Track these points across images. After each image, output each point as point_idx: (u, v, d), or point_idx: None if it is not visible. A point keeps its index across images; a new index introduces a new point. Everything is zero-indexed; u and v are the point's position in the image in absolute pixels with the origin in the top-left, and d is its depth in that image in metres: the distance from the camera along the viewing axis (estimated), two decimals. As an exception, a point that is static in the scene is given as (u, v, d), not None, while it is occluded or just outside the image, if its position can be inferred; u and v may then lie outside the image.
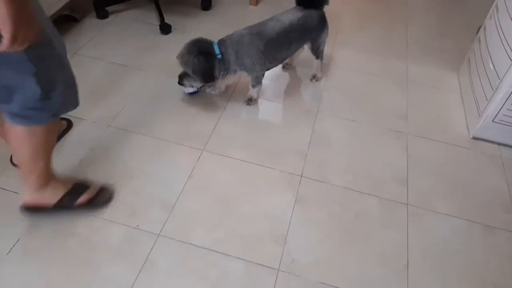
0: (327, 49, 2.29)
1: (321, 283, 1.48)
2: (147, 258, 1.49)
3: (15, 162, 1.66)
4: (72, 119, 1.93)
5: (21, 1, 0.94)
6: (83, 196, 1.58)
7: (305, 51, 2.23)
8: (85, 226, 1.57)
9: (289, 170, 1.85)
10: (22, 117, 1.27)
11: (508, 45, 1.85)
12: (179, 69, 2.27)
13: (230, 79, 2.10)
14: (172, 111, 2.08)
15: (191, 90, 2.13)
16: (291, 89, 2.33)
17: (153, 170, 1.79)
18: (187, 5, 2.89)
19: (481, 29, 2.25)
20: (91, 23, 2.65)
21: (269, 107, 2.20)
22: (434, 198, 1.80)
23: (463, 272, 1.56)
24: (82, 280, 1.43)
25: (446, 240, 1.66)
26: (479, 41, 2.22)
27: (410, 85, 2.41)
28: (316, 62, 2.30)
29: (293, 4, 2.08)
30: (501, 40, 1.92)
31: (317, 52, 2.22)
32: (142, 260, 1.48)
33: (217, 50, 1.90)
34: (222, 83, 2.17)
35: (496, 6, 2.08)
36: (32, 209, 1.51)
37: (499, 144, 2.07)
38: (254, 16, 2.80)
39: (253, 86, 2.11)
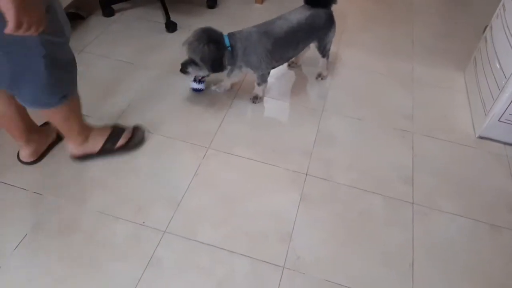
0: (332, 48, 2.29)
1: (326, 280, 1.48)
2: (153, 255, 1.50)
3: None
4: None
5: None
6: (121, 140, 1.78)
7: (311, 49, 2.24)
8: (91, 222, 1.58)
9: (294, 168, 1.85)
10: (37, 104, 1.41)
11: (515, 44, 1.84)
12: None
13: (235, 77, 2.10)
14: (177, 109, 2.09)
15: (195, 85, 2.14)
16: (297, 88, 2.33)
17: (159, 168, 1.80)
18: (192, 3, 2.89)
19: (488, 28, 2.24)
20: (97, 21, 2.66)
21: (274, 105, 2.20)
22: (440, 197, 1.80)
23: (468, 272, 1.56)
24: (88, 276, 1.44)
25: (451, 240, 1.65)
26: (486, 40, 2.21)
27: (416, 84, 2.40)
28: (322, 61, 2.30)
29: (299, 2, 2.08)
30: (508, 39, 1.91)
31: (324, 51, 2.22)
32: (148, 257, 1.49)
33: (227, 42, 1.89)
34: (227, 81, 2.18)
35: (503, 5, 2.08)
36: (81, 158, 1.75)
37: (505, 143, 2.07)
38: (259, 14, 2.81)
39: (259, 84, 2.12)
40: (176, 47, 2.50)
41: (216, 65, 1.88)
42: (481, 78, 2.16)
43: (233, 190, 1.75)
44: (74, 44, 1.40)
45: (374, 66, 2.52)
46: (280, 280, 1.47)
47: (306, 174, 1.83)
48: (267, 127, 2.05)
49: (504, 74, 1.88)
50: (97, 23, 2.64)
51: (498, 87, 1.93)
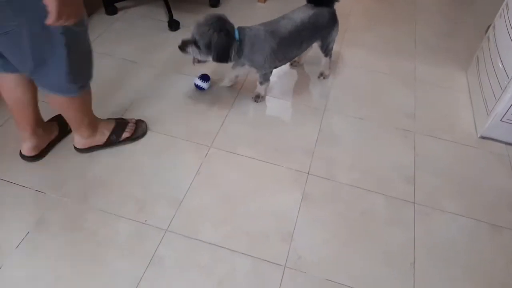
0: (335, 47, 2.29)
1: (328, 280, 1.48)
2: (155, 253, 1.50)
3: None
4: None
5: None
6: (126, 132, 1.85)
7: (313, 48, 2.24)
8: (93, 220, 1.58)
9: (296, 167, 1.85)
10: (57, 89, 1.47)
11: (518, 44, 1.84)
12: (188, 66, 2.28)
13: (239, 70, 2.11)
14: (180, 108, 2.09)
15: (199, 83, 2.15)
16: (299, 87, 2.33)
17: (161, 166, 1.80)
18: (195, 2, 2.90)
19: (490, 27, 2.24)
20: (100, 19, 2.67)
21: (276, 105, 2.20)
22: (441, 197, 1.80)
23: (469, 271, 1.56)
24: (90, 274, 1.44)
25: (453, 239, 1.66)
26: (488, 40, 2.21)
27: (418, 84, 2.40)
28: (325, 60, 2.30)
29: (301, 1, 2.08)
30: (511, 39, 1.91)
31: (327, 50, 2.22)
32: (149, 255, 1.50)
33: (237, 35, 1.87)
34: (232, 73, 2.18)
35: (506, 4, 2.07)
36: (86, 150, 1.80)
37: (507, 143, 2.07)
38: (262, 13, 2.81)
39: (261, 83, 2.12)
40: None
41: (222, 55, 1.85)
42: (484, 77, 2.15)
43: (235, 189, 1.75)
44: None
45: (377, 65, 2.52)
46: (282, 280, 1.47)
47: (308, 173, 1.83)
48: (269, 126, 2.05)
49: (507, 74, 1.88)
50: (100, 21, 2.64)
51: (500, 86, 1.93)
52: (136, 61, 2.35)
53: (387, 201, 1.76)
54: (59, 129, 1.83)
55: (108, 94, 2.09)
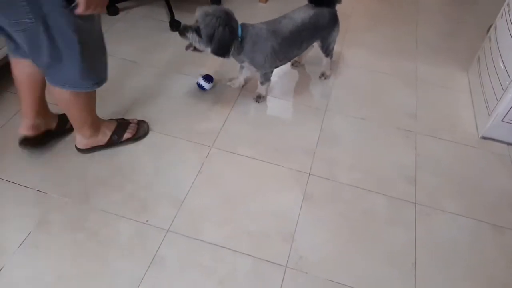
0: (336, 47, 2.29)
1: (329, 280, 1.48)
2: (156, 253, 1.50)
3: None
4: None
5: None
6: (127, 133, 1.86)
7: (314, 49, 2.24)
8: (95, 221, 1.59)
9: (297, 167, 1.85)
10: (70, 85, 1.49)
11: (519, 44, 1.84)
12: (189, 66, 2.29)
13: (247, 72, 2.14)
14: (181, 108, 2.09)
15: (202, 82, 2.16)
16: (300, 87, 2.33)
17: (162, 166, 1.81)
18: (196, 2, 2.88)
19: (492, 28, 2.24)
20: (102, 19, 2.65)
21: (277, 105, 2.20)
22: (442, 197, 1.80)
23: (470, 272, 1.56)
24: (92, 274, 1.44)
25: (454, 240, 1.66)
26: (490, 40, 2.21)
27: (420, 84, 2.40)
28: (326, 60, 2.30)
29: (303, 0, 2.08)
30: (512, 39, 1.91)
31: (327, 50, 2.22)
32: (151, 255, 1.50)
33: (239, 32, 1.87)
34: (241, 77, 2.19)
35: (508, 4, 2.07)
36: (88, 150, 1.81)
37: (508, 144, 2.07)
38: (263, 13, 2.81)
39: (262, 83, 2.12)
40: (180, 46, 2.49)
41: (222, 50, 1.84)
42: (485, 78, 2.15)
43: (236, 189, 1.75)
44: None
45: (378, 65, 2.52)
46: (283, 280, 1.47)
47: (309, 173, 1.83)
48: (270, 126, 2.05)
49: (508, 74, 1.88)
50: (101, 21, 2.63)
51: (502, 87, 1.93)
52: (137, 61, 2.35)
53: (388, 201, 1.76)
54: (58, 123, 1.83)
55: (110, 94, 2.09)
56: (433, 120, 2.17)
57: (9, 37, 1.41)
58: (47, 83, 1.52)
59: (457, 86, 2.42)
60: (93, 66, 1.50)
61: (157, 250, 1.51)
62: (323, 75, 2.36)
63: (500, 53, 2.01)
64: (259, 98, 2.16)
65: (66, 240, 1.53)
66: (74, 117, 1.68)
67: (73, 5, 1.23)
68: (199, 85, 2.17)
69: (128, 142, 1.87)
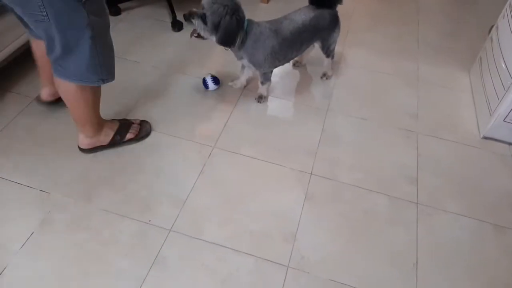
0: (337, 48, 2.29)
1: (331, 280, 1.49)
2: (158, 253, 1.51)
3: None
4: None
5: None
6: (130, 134, 1.87)
7: (316, 49, 2.24)
8: (97, 220, 1.59)
9: (299, 167, 1.86)
10: (77, 78, 1.51)
11: (521, 44, 1.84)
12: (191, 66, 2.29)
13: (249, 73, 2.14)
14: (183, 108, 2.10)
15: (210, 82, 2.17)
16: (301, 87, 2.33)
17: (164, 166, 1.81)
18: (198, 3, 2.89)
19: (494, 28, 2.24)
20: (103, 19, 2.67)
21: (279, 105, 2.21)
22: (444, 197, 1.80)
23: (472, 272, 1.56)
24: (94, 274, 1.45)
25: (455, 240, 1.66)
26: (491, 40, 2.21)
27: (421, 84, 2.40)
28: (327, 61, 2.30)
29: (304, 1, 2.08)
30: (514, 40, 1.91)
31: (328, 51, 2.22)
32: (153, 255, 1.50)
33: (245, 26, 1.87)
34: (243, 77, 2.20)
35: (510, 4, 2.07)
36: (90, 150, 1.82)
37: (510, 144, 2.07)
38: (265, 13, 2.81)
39: (262, 83, 2.12)
40: (182, 46, 2.51)
41: (227, 40, 1.83)
42: (487, 78, 2.15)
43: (238, 189, 1.76)
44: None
45: (379, 65, 2.52)
46: (285, 280, 1.47)
47: (311, 173, 1.84)
48: (272, 127, 2.05)
49: (510, 74, 1.88)
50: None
51: (503, 87, 1.93)
52: (139, 61, 2.36)
53: (390, 201, 1.76)
54: None
55: (112, 95, 2.08)
56: (435, 120, 2.17)
57: (26, 23, 1.46)
58: (54, 76, 1.54)
59: (458, 86, 2.42)
60: (101, 61, 1.51)
61: (159, 250, 1.52)
62: (324, 76, 2.36)
63: (502, 54, 2.01)
64: (261, 98, 2.16)
65: (69, 240, 1.53)
66: (78, 113, 1.69)
67: None
68: (204, 82, 2.18)
69: (131, 143, 1.88)
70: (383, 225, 1.68)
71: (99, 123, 1.77)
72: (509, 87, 1.87)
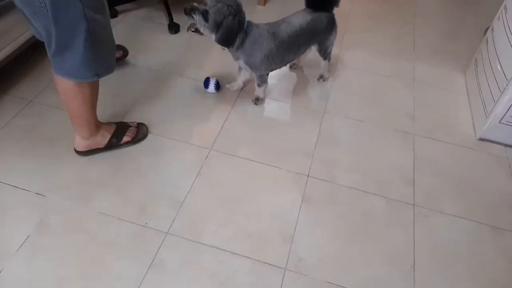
0: (334, 50, 2.29)
1: (328, 282, 1.49)
2: (156, 256, 1.51)
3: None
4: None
5: None
6: (127, 136, 1.86)
7: (313, 51, 2.24)
8: (94, 223, 1.59)
9: (296, 169, 1.86)
10: (71, 75, 1.50)
11: (516, 46, 1.85)
12: (187, 69, 2.29)
13: (247, 75, 2.14)
14: (180, 110, 2.09)
15: (212, 85, 2.16)
16: (298, 89, 2.33)
17: (161, 169, 1.81)
18: (195, 5, 2.90)
19: (489, 30, 2.25)
20: (100, 22, 2.66)
21: (276, 107, 2.21)
22: (441, 198, 1.80)
23: (470, 273, 1.56)
24: (91, 277, 1.44)
25: (453, 241, 1.66)
26: (487, 42, 2.22)
27: (417, 85, 2.41)
28: (324, 63, 2.30)
29: (301, 4, 2.08)
30: (509, 41, 1.92)
31: (325, 54, 2.22)
32: (150, 258, 1.50)
33: (245, 28, 1.87)
34: (240, 79, 2.20)
35: (505, 6, 2.08)
36: (87, 152, 1.81)
37: (506, 145, 2.07)
38: (262, 16, 2.82)
39: (259, 85, 2.12)
40: (179, 48, 2.51)
41: (227, 39, 1.83)
42: (482, 79, 2.16)
43: (235, 191, 1.76)
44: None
45: (376, 67, 2.52)
46: (282, 282, 1.47)
47: (308, 175, 1.84)
48: (269, 129, 2.05)
49: (505, 76, 1.89)
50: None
51: (499, 89, 1.93)
52: (136, 63, 2.35)
53: (387, 203, 1.76)
54: None
55: (109, 97, 2.08)
56: (431, 121, 2.17)
57: (29, 20, 1.45)
58: (52, 72, 1.53)
59: (454, 87, 2.42)
60: (96, 57, 1.50)
61: (156, 253, 1.51)
62: (321, 77, 2.36)
63: (497, 55, 2.02)
64: (258, 101, 2.17)
65: (65, 243, 1.53)
66: (75, 112, 1.67)
67: None
68: (206, 82, 2.18)
69: (128, 145, 1.87)
70: (381, 227, 1.68)
71: (96, 124, 1.76)
72: (504, 88, 1.88)
